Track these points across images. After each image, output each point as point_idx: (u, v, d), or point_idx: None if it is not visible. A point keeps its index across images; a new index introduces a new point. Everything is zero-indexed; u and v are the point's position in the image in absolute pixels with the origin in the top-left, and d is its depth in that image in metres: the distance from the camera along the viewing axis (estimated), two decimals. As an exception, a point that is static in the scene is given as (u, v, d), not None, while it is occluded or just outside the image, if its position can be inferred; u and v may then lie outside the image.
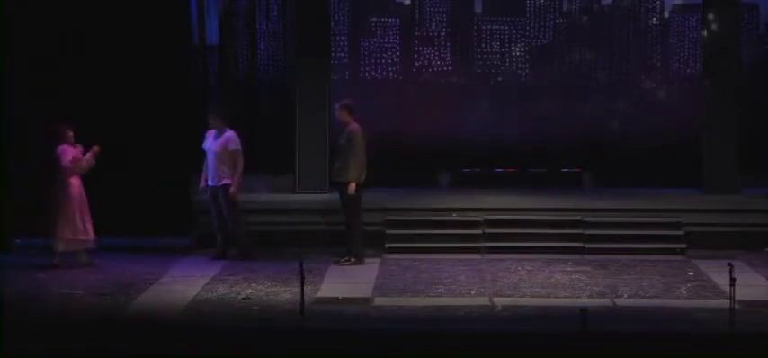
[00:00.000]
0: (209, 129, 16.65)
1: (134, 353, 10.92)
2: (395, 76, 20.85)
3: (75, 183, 15.97)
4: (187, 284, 14.87)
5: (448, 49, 20.87)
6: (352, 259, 16.23)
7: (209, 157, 16.57)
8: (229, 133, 16.57)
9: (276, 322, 12.89)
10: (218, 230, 16.69)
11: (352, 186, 16.12)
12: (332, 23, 19.88)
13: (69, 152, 15.94)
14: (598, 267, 16.00)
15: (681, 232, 17.27)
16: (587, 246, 16.94)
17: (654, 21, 20.89)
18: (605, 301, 14.05)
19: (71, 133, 16.05)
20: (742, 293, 12.84)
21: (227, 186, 16.50)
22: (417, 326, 12.89)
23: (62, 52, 17.93)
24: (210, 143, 16.58)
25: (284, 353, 11.06)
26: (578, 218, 17.45)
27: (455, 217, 17.54)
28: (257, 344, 11.41)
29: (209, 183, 16.57)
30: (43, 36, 17.87)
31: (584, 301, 13.86)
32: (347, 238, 16.39)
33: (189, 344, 11.32)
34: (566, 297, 14.29)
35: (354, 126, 16.25)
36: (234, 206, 16.60)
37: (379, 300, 14.09)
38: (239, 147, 16.54)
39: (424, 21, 20.87)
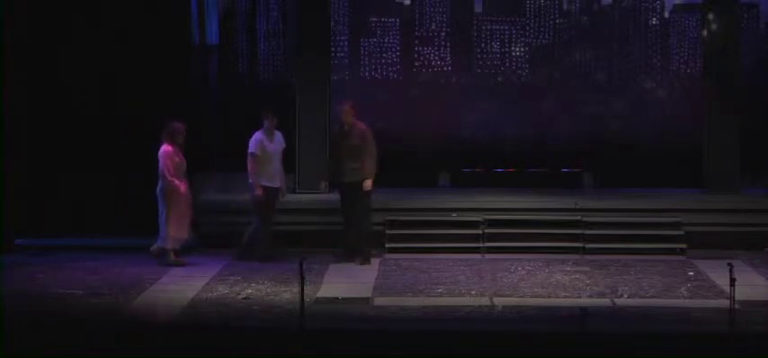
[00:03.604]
0: (262, 129, 16.54)
1: (134, 353, 10.91)
2: (395, 76, 20.82)
3: (180, 183, 16.04)
4: (187, 284, 14.87)
5: (448, 49, 20.85)
6: (360, 259, 16.24)
7: (275, 159, 16.54)
8: (280, 133, 16.72)
9: (276, 322, 12.89)
10: (263, 231, 16.54)
11: (369, 183, 16.19)
12: (332, 23, 19.87)
13: (166, 155, 15.97)
14: (598, 267, 16.00)
15: (681, 232, 17.27)
16: (587, 246, 16.94)
17: (654, 21, 20.87)
18: (605, 301, 14.04)
19: (182, 134, 16.12)
20: (742, 293, 12.86)
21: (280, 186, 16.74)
22: (417, 326, 12.89)
23: (61, 51, 17.92)
24: (273, 145, 16.54)
25: (284, 352, 11.06)
26: (578, 218, 17.45)
27: (455, 217, 17.54)
28: (257, 344, 11.40)
29: (274, 184, 16.53)
30: (42, 35, 17.85)
31: (584, 301, 13.87)
32: (347, 238, 16.40)
33: (189, 344, 11.32)
34: (566, 297, 14.30)
35: (363, 125, 16.34)
36: None
37: (379, 300, 14.09)
38: None
39: (424, 21, 20.86)
